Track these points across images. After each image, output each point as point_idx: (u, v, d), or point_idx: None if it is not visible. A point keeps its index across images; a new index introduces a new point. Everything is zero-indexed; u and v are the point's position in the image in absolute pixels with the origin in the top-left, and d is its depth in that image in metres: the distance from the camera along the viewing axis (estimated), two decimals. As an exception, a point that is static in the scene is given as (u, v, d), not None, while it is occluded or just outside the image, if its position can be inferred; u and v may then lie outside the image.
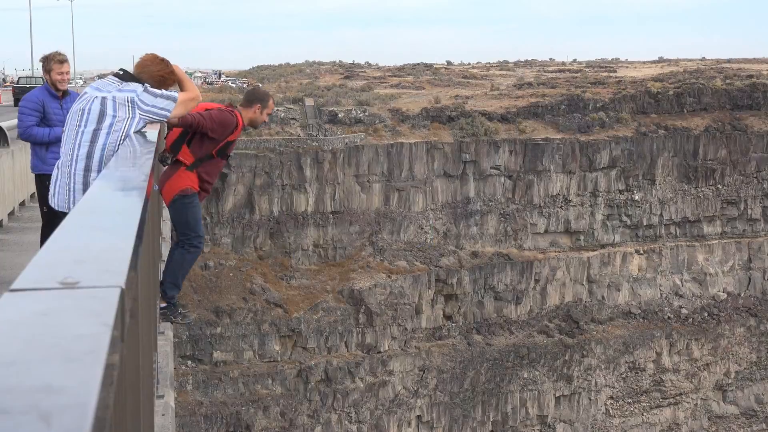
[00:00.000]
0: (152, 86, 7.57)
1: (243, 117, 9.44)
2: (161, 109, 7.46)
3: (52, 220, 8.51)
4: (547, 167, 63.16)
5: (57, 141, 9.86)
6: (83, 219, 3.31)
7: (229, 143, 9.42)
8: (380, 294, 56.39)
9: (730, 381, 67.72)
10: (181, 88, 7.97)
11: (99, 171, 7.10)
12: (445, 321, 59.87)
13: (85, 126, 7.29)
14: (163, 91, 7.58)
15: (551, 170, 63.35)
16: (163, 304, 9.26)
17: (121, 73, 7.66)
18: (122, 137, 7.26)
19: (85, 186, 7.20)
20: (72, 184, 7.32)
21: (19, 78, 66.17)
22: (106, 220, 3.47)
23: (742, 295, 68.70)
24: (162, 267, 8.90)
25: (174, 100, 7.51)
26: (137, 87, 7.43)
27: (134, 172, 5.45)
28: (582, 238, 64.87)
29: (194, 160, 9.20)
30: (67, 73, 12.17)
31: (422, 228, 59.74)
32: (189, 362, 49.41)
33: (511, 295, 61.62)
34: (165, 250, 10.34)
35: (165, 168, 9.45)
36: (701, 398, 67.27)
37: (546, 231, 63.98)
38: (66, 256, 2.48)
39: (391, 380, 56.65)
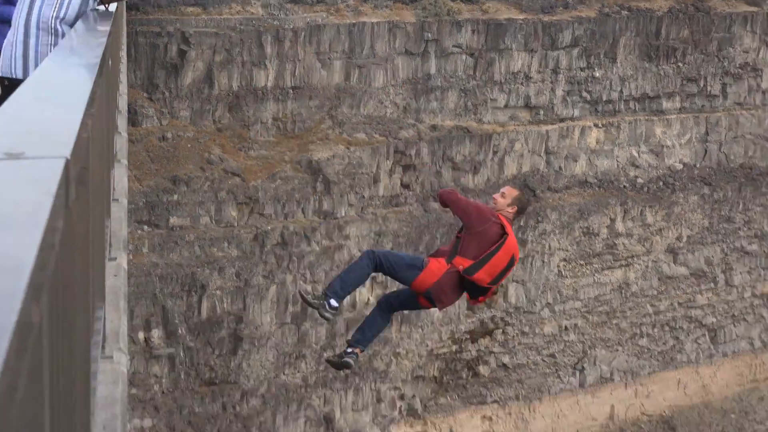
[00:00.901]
0: None
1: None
2: None
3: None
4: (509, 46, 65.79)
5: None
6: (32, 93, 3.27)
7: None
8: (338, 164, 60.40)
9: (681, 245, 70.64)
10: None
11: (37, 37, 7.17)
12: (402, 189, 63.85)
13: None
14: None
15: (513, 48, 66.02)
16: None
17: None
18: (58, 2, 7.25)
19: (25, 51, 7.22)
20: (14, 51, 7.25)
21: None
22: (56, 92, 3.48)
23: (698, 165, 71.90)
24: (118, 139, 8.67)
25: None
26: None
27: (87, 46, 5.50)
28: (542, 112, 67.83)
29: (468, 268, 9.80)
30: None
31: (382, 102, 63.16)
32: (145, 227, 53.89)
33: (469, 165, 65.18)
34: (120, 122, 10.28)
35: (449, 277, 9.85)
36: (652, 260, 70.64)
37: (506, 106, 66.73)
38: (12, 128, 2.49)
39: (347, 244, 60.81)
